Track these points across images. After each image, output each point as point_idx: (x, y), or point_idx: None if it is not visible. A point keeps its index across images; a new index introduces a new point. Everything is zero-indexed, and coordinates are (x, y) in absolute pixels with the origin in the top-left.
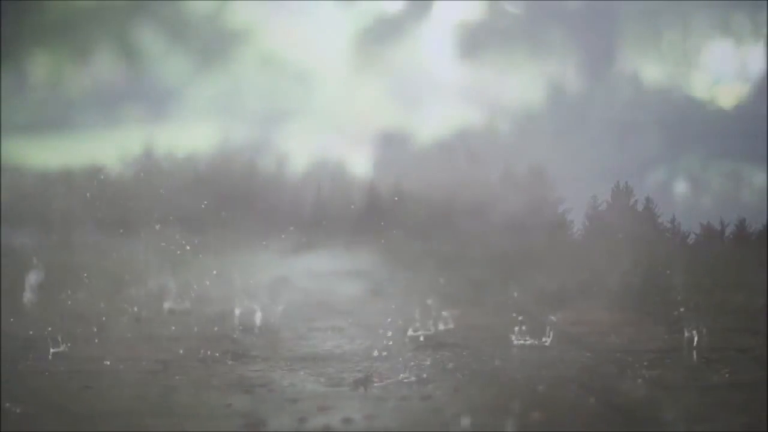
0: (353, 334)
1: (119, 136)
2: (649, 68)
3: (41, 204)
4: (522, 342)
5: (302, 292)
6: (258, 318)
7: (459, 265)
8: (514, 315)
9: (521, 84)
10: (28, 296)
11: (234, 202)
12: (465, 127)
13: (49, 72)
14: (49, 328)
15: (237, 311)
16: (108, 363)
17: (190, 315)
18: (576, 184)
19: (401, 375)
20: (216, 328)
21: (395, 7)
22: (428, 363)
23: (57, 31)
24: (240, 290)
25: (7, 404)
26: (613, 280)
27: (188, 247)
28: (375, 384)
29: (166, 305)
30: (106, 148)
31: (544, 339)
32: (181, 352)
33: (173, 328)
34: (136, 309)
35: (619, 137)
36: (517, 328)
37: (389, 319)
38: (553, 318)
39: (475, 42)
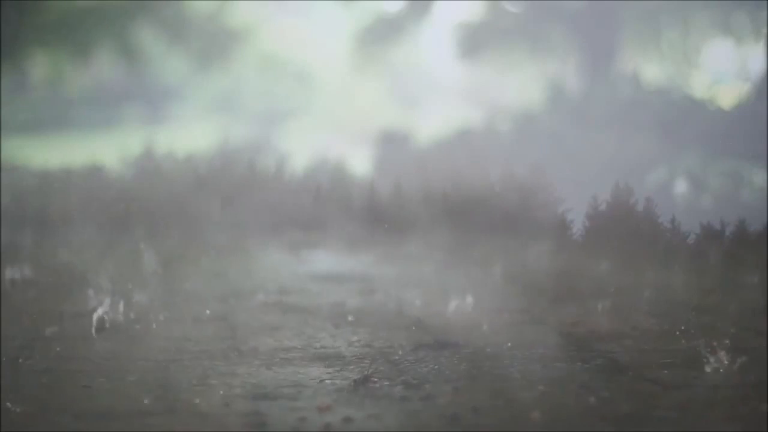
0: (352, 334)
1: (119, 136)
2: (649, 68)
3: (41, 204)
4: (522, 342)
5: (301, 292)
6: (257, 317)
7: (458, 265)
8: (514, 315)
9: (521, 84)
10: (28, 296)
11: (234, 202)
12: (465, 127)
13: (49, 72)
14: (49, 328)
15: (236, 311)
16: (109, 363)
17: (190, 314)
18: (576, 184)
19: (401, 374)
20: (215, 328)
21: (395, 7)
22: (429, 362)
23: (57, 31)
24: (239, 290)
25: (8, 404)
26: (613, 280)
27: (188, 247)
28: (375, 384)
29: (165, 305)
30: (106, 148)
31: (543, 339)
32: (181, 351)
33: (173, 327)
34: (135, 308)
35: (619, 137)
36: (518, 328)
37: (389, 319)
38: (553, 318)
39: (475, 42)
